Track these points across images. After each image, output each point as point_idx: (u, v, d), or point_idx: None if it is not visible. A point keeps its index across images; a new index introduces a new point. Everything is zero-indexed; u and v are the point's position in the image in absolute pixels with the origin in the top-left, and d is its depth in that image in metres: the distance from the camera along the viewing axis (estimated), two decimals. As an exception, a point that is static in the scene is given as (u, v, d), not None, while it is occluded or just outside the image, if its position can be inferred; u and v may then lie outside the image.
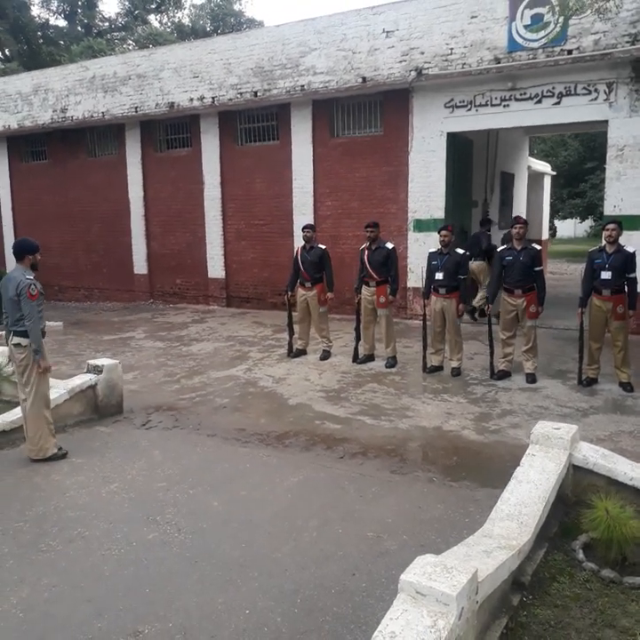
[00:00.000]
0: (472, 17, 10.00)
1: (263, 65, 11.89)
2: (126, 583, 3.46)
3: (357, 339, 8.41)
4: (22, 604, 3.30)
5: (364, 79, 10.92)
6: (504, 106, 10.23)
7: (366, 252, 8.10)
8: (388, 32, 10.67)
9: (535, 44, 9.60)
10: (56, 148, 15.66)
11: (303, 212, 12.14)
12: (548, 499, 3.72)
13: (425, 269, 7.90)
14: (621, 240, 6.96)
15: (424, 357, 7.91)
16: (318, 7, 57.34)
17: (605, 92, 9.47)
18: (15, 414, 5.78)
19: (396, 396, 7.01)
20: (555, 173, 21.65)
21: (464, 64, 10.12)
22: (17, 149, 16.44)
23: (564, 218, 32.49)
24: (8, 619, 3.18)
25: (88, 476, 4.98)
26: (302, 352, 8.86)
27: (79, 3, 32.17)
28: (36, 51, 29.84)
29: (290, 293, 8.76)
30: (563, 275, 18.69)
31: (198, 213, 13.64)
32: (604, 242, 6.90)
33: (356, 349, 8.42)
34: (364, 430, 5.95)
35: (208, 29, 32.78)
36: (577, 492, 4.16)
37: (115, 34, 34.49)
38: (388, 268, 8.01)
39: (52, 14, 33.06)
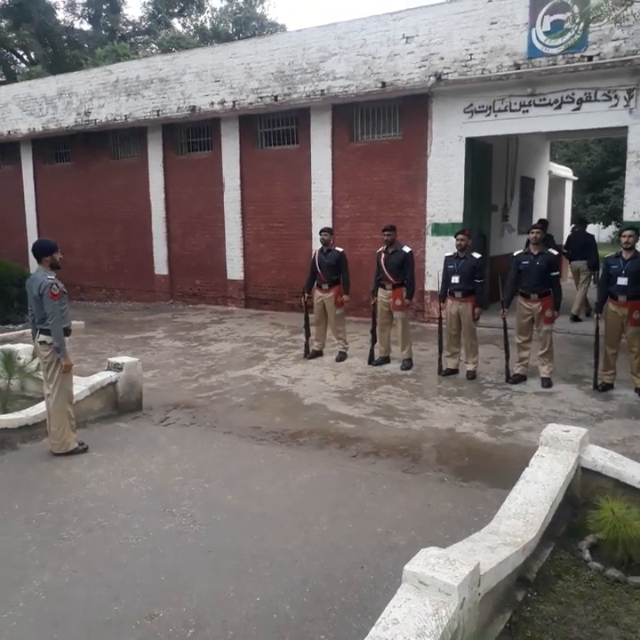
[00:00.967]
0: (492, 23, 10.05)
1: (284, 69, 12.04)
2: (143, 570, 3.60)
3: (373, 341, 8.49)
4: (44, 587, 3.45)
5: (384, 84, 11.01)
6: (523, 111, 10.25)
7: (383, 255, 8.19)
8: (407, 38, 10.75)
9: (555, 51, 9.62)
10: (79, 151, 15.96)
11: (321, 215, 12.26)
12: (555, 499, 3.78)
13: (441, 273, 7.97)
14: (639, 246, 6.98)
15: (440, 360, 7.97)
16: (339, 10, 57.47)
17: (625, 99, 9.46)
18: (38, 409, 5.95)
19: (410, 397, 7.08)
20: (577, 178, 21.55)
21: (483, 70, 10.17)
22: (41, 151, 16.79)
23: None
24: (31, 600, 3.34)
25: (107, 470, 5.13)
26: (318, 353, 8.96)
27: (103, 7, 32.65)
28: (61, 54, 30.35)
29: (307, 295, 8.88)
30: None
31: (218, 216, 13.83)
32: (621, 248, 6.94)
33: (371, 351, 8.51)
34: (378, 430, 6.04)
35: (230, 32, 33.05)
36: (585, 493, 4.21)
37: (138, 37, 34.93)
38: (404, 271, 8.09)
39: (76, 18, 33.67)
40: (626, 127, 9.58)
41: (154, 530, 4.08)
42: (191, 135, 14.30)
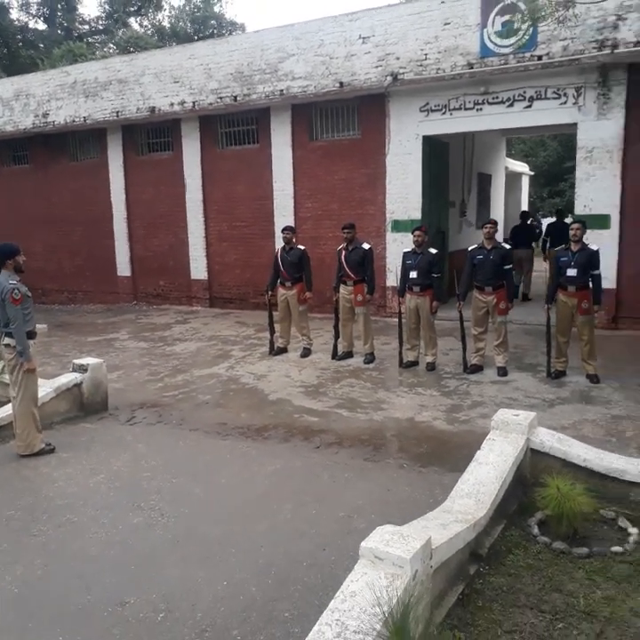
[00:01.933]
0: (445, 24, 10.30)
1: (243, 70, 12.13)
2: (113, 561, 3.72)
3: (336, 336, 8.68)
4: (17, 581, 3.56)
5: (342, 84, 11.20)
6: (477, 109, 10.55)
7: (343, 252, 8.38)
8: (364, 38, 10.95)
9: (506, 50, 9.92)
10: (38, 153, 15.79)
11: (284, 214, 12.40)
12: (505, 479, 4.01)
13: (400, 268, 8.19)
14: (591, 238, 7.28)
15: (400, 353, 8.20)
16: (297, 9, 57.54)
17: (574, 96, 9.81)
18: (4, 412, 6.00)
19: (372, 390, 7.29)
20: (533, 173, 22.09)
21: (438, 69, 10.42)
22: (-2, 154, 16.56)
23: (544, 216, 33.05)
24: (4, 593, 3.45)
25: (75, 469, 5.22)
26: (283, 350, 9.12)
27: (59, 6, 32.13)
28: (16, 54, 29.80)
29: (270, 293, 9.01)
30: (540, 272, 19.03)
31: (180, 216, 13.85)
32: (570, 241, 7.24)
33: (334, 346, 8.70)
34: (341, 422, 6.23)
35: (189, 31, 32.84)
36: (535, 473, 4.45)
37: (95, 37, 34.45)
38: (364, 267, 8.30)
39: (31, 17, 33.01)
40: (575, 124, 9.94)
41: (123, 523, 4.19)
42: (151, 136, 14.29)
